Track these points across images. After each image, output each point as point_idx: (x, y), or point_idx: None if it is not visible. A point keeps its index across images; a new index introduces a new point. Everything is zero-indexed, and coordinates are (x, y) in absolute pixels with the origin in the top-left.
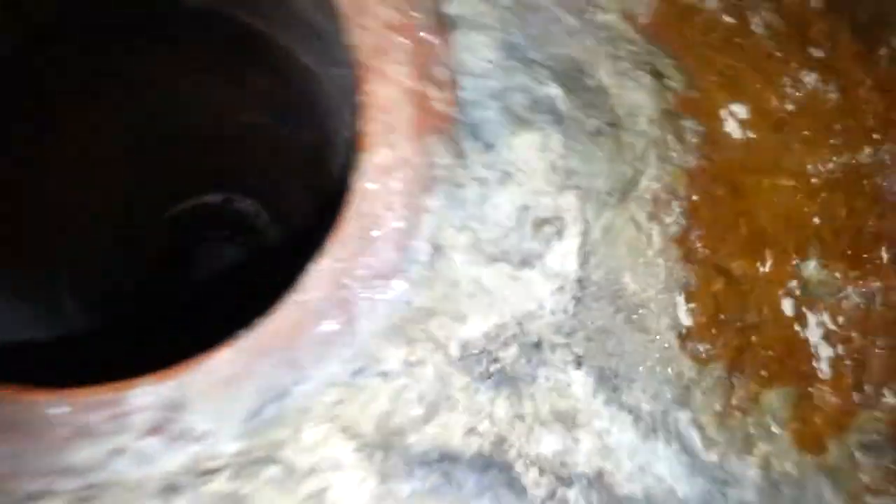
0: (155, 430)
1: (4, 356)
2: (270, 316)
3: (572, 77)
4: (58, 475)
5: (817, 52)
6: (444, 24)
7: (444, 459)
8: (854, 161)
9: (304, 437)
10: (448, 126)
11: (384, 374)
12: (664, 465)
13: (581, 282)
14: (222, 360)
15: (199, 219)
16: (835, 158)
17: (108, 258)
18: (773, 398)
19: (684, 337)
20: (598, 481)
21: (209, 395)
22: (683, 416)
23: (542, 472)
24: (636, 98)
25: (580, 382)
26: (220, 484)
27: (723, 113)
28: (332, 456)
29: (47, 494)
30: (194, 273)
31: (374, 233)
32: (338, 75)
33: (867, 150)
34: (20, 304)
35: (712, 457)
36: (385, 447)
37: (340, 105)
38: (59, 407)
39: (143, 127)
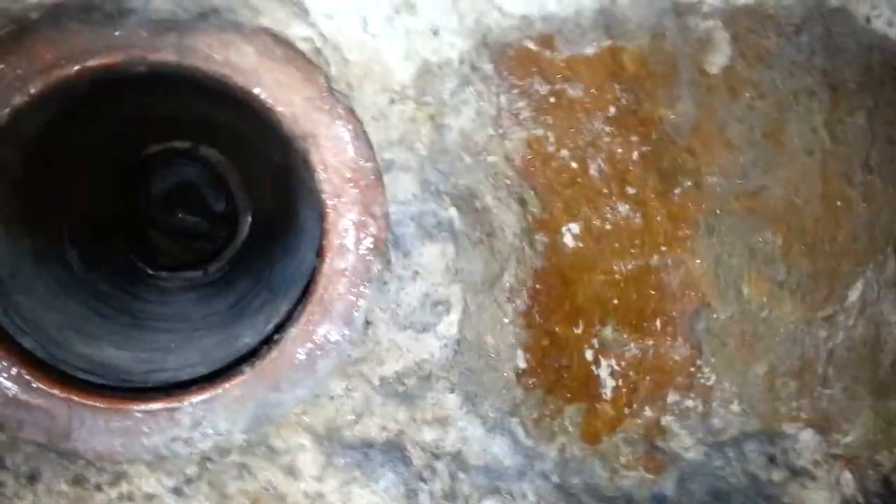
0: (196, 426)
1: (46, 329)
2: (263, 360)
3: (466, 201)
4: (140, 450)
5: (631, 190)
6: (380, 175)
7: (365, 445)
8: (646, 263)
9: (282, 433)
10: (380, 244)
11: (331, 397)
12: (498, 448)
13: (459, 341)
14: (235, 386)
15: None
16: (633, 262)
17: (95, 195)
18: (572, 410)
19: (520, 374)
20: (457, 456)
21: (228, 407)
22: (514, 420)
23: (423, 451)
24: (507, 217)
25: (452, 400)
26: (233, 457)
27: (563, 229)
28: (298, 443)
29: (136, 461)
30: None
31: (330, 310)
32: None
33: (656, 256)
34: (44, 273)
35: (529, 443)
36: (329, 438)
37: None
38: (142, 412)
39: (139, 119)
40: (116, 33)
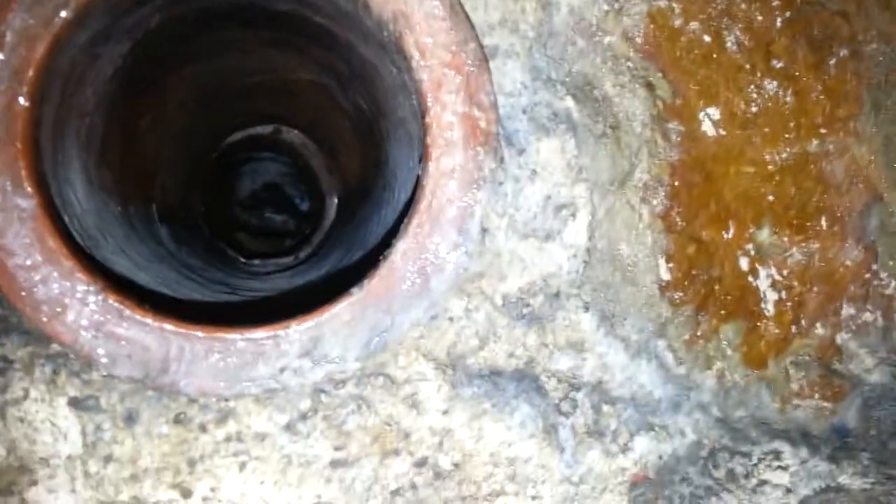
0: (305, 354)
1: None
2: (373, 278)
3: (583, 90)
4: (246, 383)
5: (778, 64)
6: (485, 58)
7: (493, 374)
8: (804, 151)
9: (399, 360)
10: (491, 139)
11: (450, 318)
12: (646, 376)
13: (589, 250)
14: (343, 309)
15: (251, 145)
16: (788, 149)
17: (181, 184)
18: (729, 329)
19: (664, 288)
20: (598, 387)
21: (337, 332)
22: (661, 343)
23: (559, 381)
24: (633, 106)
25: (587, 321)
26: (349, 389)
27: (700, 115)
28: (418, 371)
29: (242, 396)
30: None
31: (440, 219)
32: (396, 75)
33: (815, 142)
34: (136, 240)
35: (681, 370)
36: (453, 366)
37: (396, 93)
38: (245, 341)
39: (219, 82)
40: None
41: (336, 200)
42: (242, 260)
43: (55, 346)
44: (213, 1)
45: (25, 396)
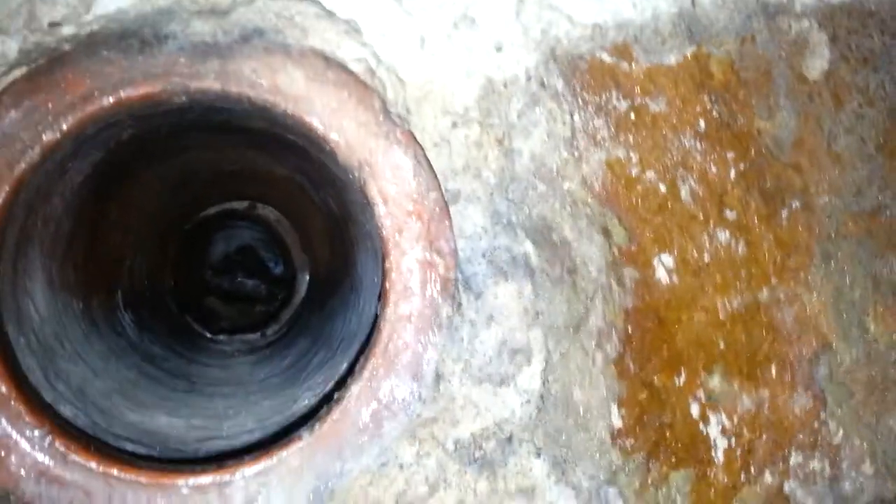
0: (249, 503)
1: (92, 396)
2: (323, 423)
3: (542, 234)
4: None
5: (731, 214)
6: (446, 206)
7: None
8: (755, 299)
9: None
10: (448, 285)
11: (401, 465)
12: None
13: (542, 395)
14: (292, 454)
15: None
16: (739, 297)
17: (151, 261)
18: (679, 477)
19: (615, 434)
20: None
21: (284, 479)
22: (612, 491)
23: None
24: (590, 250)
25: (538, 467)
26: None
27: (655, 262)
28: None
29: None
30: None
31: (396, 363)
32: (363, 200)
33: (766, 291)
34: (95, 338)
35: None
36: None
37: (364, 209)
38: (189, 488)
39: (193, 172)
40: (154, 60)
41: (307, 277)
42: (209, 335)
43: None
44: (185, 117)
45: None
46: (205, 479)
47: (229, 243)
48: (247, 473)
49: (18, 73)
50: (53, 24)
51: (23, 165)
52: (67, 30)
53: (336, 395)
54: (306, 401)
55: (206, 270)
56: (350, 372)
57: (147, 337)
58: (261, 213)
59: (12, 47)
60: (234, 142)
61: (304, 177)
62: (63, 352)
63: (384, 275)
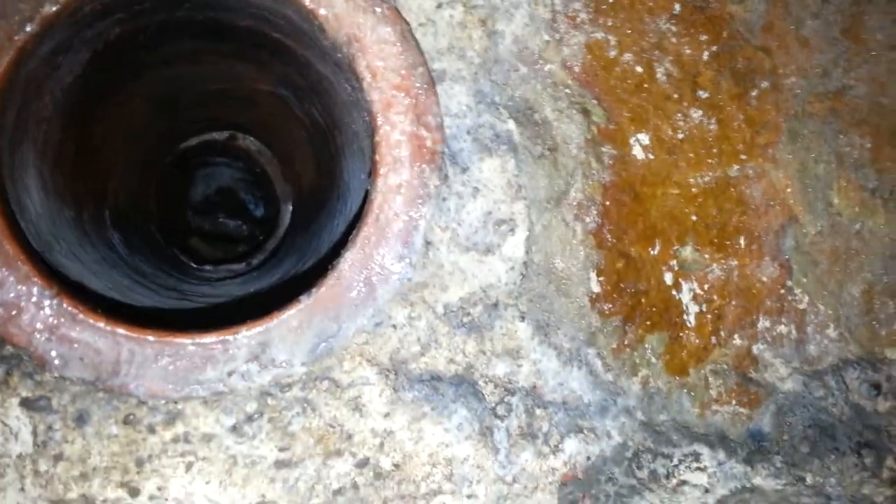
0: (253, 358)
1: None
2: (321, 287)
3: (524, 114)
4: (195, 385)
5: (704, 94)
6: (433, 82)
7: (433, 378)
8: (725, 175)
9: (344, 365)
10: (436, 157)
11: (394, 326)
12: (576, 382)
13: (526, 263)
14: (292, 316)
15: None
16: (711, 173)
17: (135, 189)
18: (653, 339)
19: (594, 299)
20: (532, 392)
21: (285, 338)
22: (591, 351)
23: (496, 386)
24: (570, 130)
25: (523, 330)
26: (295, 392)
27: (631, 140)
28: (362, 375)
29: (191, 398)
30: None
31: (387, 232)
32: (350, 92)
33: (736, 167)
34: (88, 245)
35: (609, 377)
36: (395, 371)
37: (350, 109)
38: (194, 345)
39: (177, 89)
40: None
41: (291, 207)
42: (194, 265)
43: (9, 349)
44: (173, 14)
45: None
46: (209, 337)
47: (209, 184)
48: (249, 333)
49: None
50: None
51: (22, 36)
52: None
53: (331, 263)
54: None
55: (188, 211)
56: (344, 241)
57: (137, 257)
58: (241, 143)
59: None
60: (220, 50)
61: (288, 89)
62: (59, 248)
63: (374, 148)
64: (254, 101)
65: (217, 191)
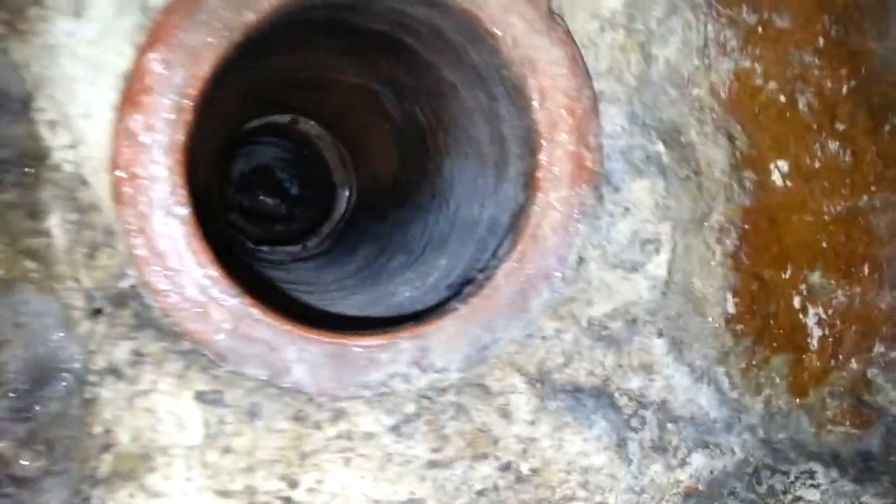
0: (413, 362)
1: None
2: (477, 296)
3: (672, 136)
4: (360, 388)
5: (841, 126)
6: (596, 104)
7: (575, 389)
8: (855, 205)
9: (495, 373)
10: (594, 177)
11: (543, 337)
12: (704, 399)
13: (667, 282)
14: (449, 323)
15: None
16: (843, 203)
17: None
18: (778, 360)
19: (728, 320)
20: (663, 406)
21: (443, 344)
22: (720, 370)
23: (630, 399)
24: (714, 153)
25: (659, 346)
26: (449, 397)
27: (771, 167)
28: (511, 384)
29: (355, 398)
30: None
31: (543, 246)
32: (485, 102)
33: (865, 197)
34: None
35: (734, 395)
36: (541, 381)
37: (472, 115)
38: (360, 347)
39: (269, 74)
40: None
41: (347, 193)
42: (250, 245)
43: (186, 344)
44: (311, 14)
45: (154, 389)
46: (374, 340)
47: (256, 160)
48: (411, 337)
49: None
50: None
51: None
52: None
53: (484, 273)
54: (407, 293)
55: (229, 188)
56: (494, 254)
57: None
58: (301, 127)
59: None
60: (328, 46)
61: (386, 85)
62: None
63: (535, 165)
64: (330, 90)
65: (258, 169)
